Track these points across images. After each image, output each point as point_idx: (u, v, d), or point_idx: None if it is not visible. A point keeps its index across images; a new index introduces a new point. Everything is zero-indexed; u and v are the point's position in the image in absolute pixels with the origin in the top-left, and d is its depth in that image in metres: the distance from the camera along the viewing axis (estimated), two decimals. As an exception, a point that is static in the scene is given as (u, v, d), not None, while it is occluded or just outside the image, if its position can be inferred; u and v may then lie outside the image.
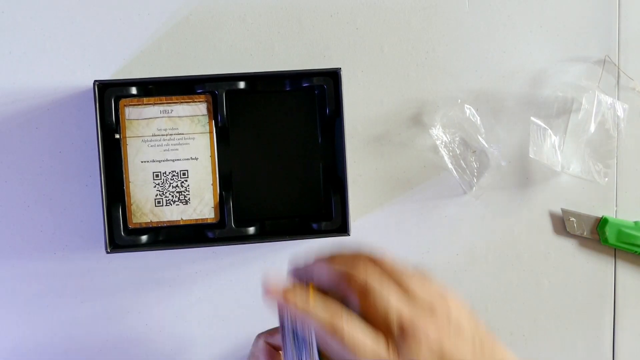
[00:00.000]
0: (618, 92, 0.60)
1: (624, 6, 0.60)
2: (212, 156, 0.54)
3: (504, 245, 0.60)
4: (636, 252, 0.59)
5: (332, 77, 0.55)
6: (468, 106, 0.58)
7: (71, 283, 0.57)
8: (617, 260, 0.60)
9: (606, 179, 0.59)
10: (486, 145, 0.59)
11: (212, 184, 0.54)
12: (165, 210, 0.54)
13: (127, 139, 0.53)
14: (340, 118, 0.54)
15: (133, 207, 0.53)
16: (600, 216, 0.60)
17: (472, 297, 0.60)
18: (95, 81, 0.53)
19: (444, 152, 0.58)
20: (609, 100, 0.58)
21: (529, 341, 0.60)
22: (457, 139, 0.58)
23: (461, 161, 0.59)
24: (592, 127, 0.58)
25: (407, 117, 0.59)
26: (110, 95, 0.53)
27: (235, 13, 0.58)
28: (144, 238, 0.55)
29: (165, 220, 0.54)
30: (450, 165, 0.58)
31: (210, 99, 0.54)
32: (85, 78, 0.57)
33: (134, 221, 0.54)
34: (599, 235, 0.59)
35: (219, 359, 0.59)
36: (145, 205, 0.53)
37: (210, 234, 0.55)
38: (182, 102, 0.53)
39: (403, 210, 0.59)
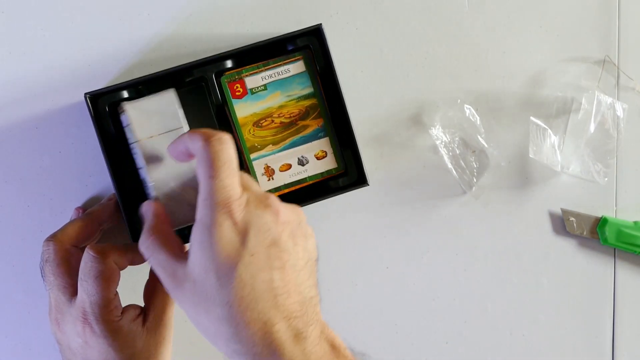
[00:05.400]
0: (618, 92, 0.60)
1: (624, 6, 0.60)
2: None
3: (504, 245, 0.60)
4: (636, 252, 0.59)
5: (315, 34, 0.54)
6: (468, 106, 0.58)
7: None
8: (617, 260, 0.61)
9: (606, 179, 0.59)
10: (486, 145, 0.59)
11: None
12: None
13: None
14: (332, 72, 0.54)
15: None
16: (600, 216, 0.60)
17: (472, 297, 0.60)
18: (85, 94, 0.52)
19: (443, 152, 0.58)
20: (609, 100, 0.58)
21: (529, 341, 0.60)
22: (456, 139, 0.58)
23: (461, 161, 0.59)
24: (592, 127, 0.58)
25: (407, 117, 0.59)
26: (104, 104, 0.53)
27: (236, 13, 0.58)
28: None
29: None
30: (450, 165, 0.59)
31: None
32: (84, 77, 0.56)
33: None
34: (599, 235, 0.59)
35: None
36: None
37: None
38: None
39: (403, 210, 0.59)
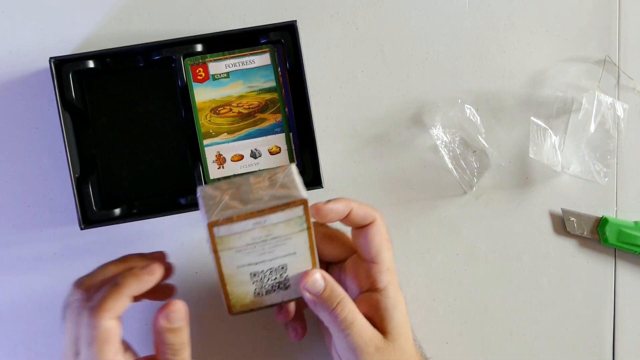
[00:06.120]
0: (618, 92, 0.60)
1: (624, 6, 0.60)
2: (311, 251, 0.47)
3: (504, 245, 0.60)
4: (636, 252, 0.59)
5: (289, 30, 0.54)
6: (468, 106, 0.58)
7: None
8: (617, 260, 0.60)
9: (606, 179, 0.59)
10: (486, 145, 0.59)
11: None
12: None
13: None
14: (301, 70, 0.54)
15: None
16: (600, 216, 0.60)
17: (472, 297, 0.60)
18: (51, 58, 0.52)
19: (444, 152, 0.58)
20: (609, 100, 0.58)
21: (529, 341, 0.60)
22: (457, 139, 0.58)
23: (461, 161, 0.59)
24: (592, 127, 0.58)
25: (407, 117, 0.59)
26: (68, 71, 0.53)
27: (235, 11, 0.58)
28: (117, 211, 0.55)
29: None
30: (450, 165, 0.58)
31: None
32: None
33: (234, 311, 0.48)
34: (599, 235, 0.59)
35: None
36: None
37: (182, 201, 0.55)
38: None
39: (403, 211, 0.59)
